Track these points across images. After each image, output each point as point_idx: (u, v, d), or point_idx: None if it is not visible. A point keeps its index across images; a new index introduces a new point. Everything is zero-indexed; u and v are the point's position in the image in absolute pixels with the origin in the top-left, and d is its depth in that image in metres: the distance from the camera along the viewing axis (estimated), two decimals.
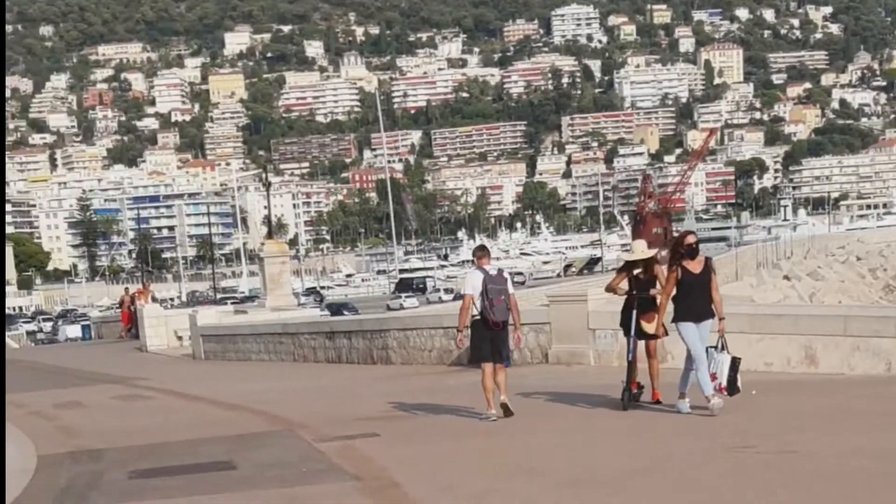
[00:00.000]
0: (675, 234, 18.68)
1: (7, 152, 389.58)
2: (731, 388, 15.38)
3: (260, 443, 15.88)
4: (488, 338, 16.48)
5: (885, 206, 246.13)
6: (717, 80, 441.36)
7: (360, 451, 14.29)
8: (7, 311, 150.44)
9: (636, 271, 16.61)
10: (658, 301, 16.26)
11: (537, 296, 45.56)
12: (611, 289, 17.30)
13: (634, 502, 10.26)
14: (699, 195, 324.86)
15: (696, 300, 15.52)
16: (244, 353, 36.75)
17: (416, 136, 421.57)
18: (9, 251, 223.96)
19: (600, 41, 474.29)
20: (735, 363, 15.48)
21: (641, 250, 16.94)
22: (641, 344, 16.62)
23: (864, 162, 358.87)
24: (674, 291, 15.74)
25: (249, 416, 19.71)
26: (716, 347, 15.47)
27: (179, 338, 44.68)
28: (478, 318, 16.47)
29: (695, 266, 15.64)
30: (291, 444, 15.60)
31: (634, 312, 16.43)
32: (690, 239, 15.85)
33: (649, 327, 16.40)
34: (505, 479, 11.72)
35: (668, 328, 16.36)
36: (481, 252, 17.25)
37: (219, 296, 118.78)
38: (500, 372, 16.63)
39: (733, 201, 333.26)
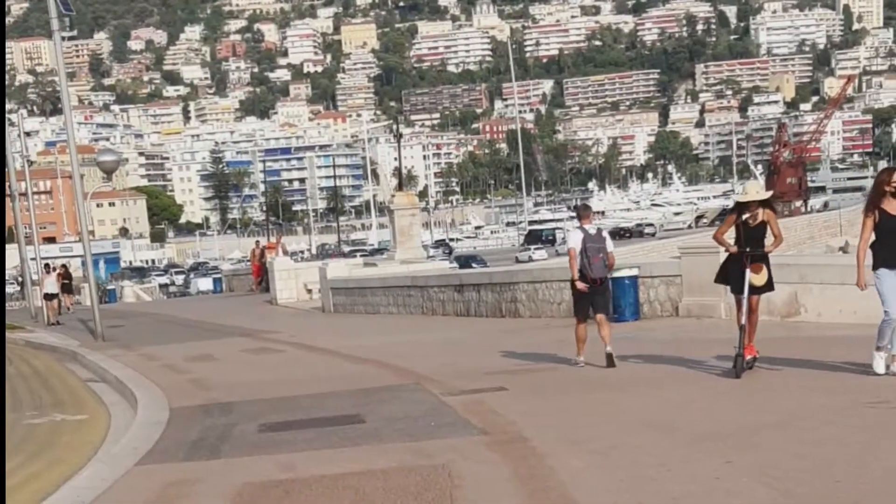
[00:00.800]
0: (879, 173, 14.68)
1: (141, 105, 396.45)
2: None
3: (388, 396, 15.92)
4: (589, 293, 17.50)
5: None
6: (855, 26, 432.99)
7: (488, 404, 14.27)
8: (140, 263, 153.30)
9: (745, 216, 14.96)
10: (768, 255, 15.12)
11: (668, 248, 45.30)
12: (718, 240, 15.71)
13: (766, 456, 10.09)
14: (835, 144, 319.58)
15: (895, 246, 13.97)
16: (373, 306, 36.91)
17: (547, 85, 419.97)
18: (142, 204, 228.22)
19: None
20: None
21: (756, 191, 15.25)
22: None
23: None
24: (872, 237, 14.07)
25: (377, 369, 19.79)
26: None
27: (309, 291, 45.06)
28: (579, 276, 17.47)
29: (894, 207, 14.01)
30: (419, 398, 15.63)
31: (747, 268, 14.95)
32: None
33: (758, 279, 15.05)
34: (634, 434, 11.61)
35: (867, 279, 14.19)
36: (585, 211, 18.25)
37: (348, 248, 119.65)
38: (605, 325, 17.50)
39: (871, 150, 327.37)
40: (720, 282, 15.97)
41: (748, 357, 15.10)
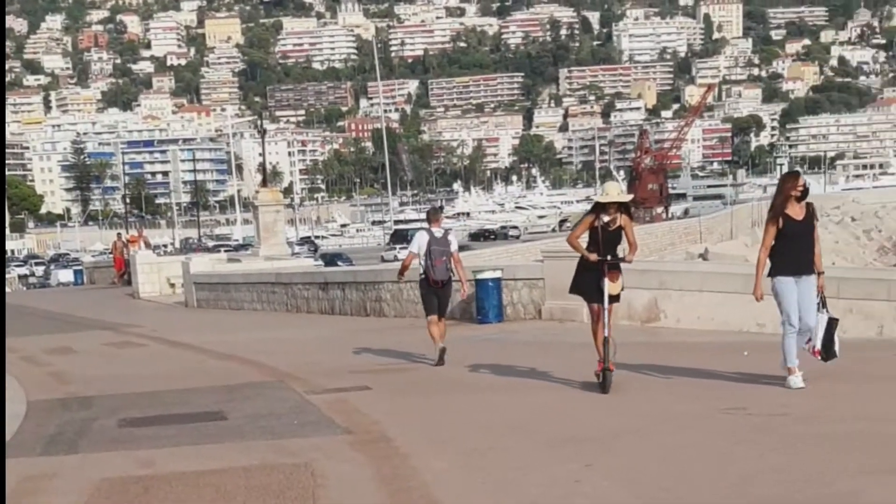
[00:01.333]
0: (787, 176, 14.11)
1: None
2: (827, 351, 13.82)
3: (251, 393, 15.86)
4: (433, 293, 18.48)
5: (881, 166, 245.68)
6: (715, 35, 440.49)
7: (352, 403, 14.30)
8: None
9: (605, 219, 14.16)
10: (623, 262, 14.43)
11: (532, 251, 45.60)
12: (573, 245, 14.59)
13: (627, 460, 10.26)
14: (696, 152, 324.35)
15: (797, 252, 13.74)
16: (237, 301, 36.75)
17: (412, 85, 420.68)
18: None
19: None
20: (832, 324, 13.84)
21: (617, 192, 14.57)
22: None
23: (861, 121, 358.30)
24: (772, 243, 13.72)
25: (241, 366, 19.72)
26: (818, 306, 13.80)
27: (172, 285, 44.69)
28: (423, 276, 18.46)
29: (797, 212, 13.76)
30: (283, 396, 15.58)
31: (604, 275, 14.18)
32: (803, 180, 13.85)
33: (615, 287, 14.32)
34: (497, 436, 11.71)
35: (766, 286, 13.80)
36: (435, 214, 19.18)
37: (212, 243, 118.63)
38: (441, 325, 18.72)
39: (730, 159, 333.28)
40: (575, 292, 14.79)
41: (613, 370, 14.17)
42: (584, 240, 14.46)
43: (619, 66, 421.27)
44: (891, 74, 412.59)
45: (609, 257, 14.20)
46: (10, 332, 29.20)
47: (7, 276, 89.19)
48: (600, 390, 13.99)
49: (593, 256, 14.10)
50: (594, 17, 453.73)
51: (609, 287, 14.16)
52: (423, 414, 13.50)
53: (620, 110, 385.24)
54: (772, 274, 13.88)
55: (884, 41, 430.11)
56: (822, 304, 13.88)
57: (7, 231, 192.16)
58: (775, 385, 13.82)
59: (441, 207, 21.34)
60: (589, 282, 14.36)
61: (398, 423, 12.66)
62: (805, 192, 13.86)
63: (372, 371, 17.72)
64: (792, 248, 13.72)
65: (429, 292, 18.47)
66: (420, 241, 18.33)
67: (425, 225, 19.09)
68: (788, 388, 13.56)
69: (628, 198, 15.04)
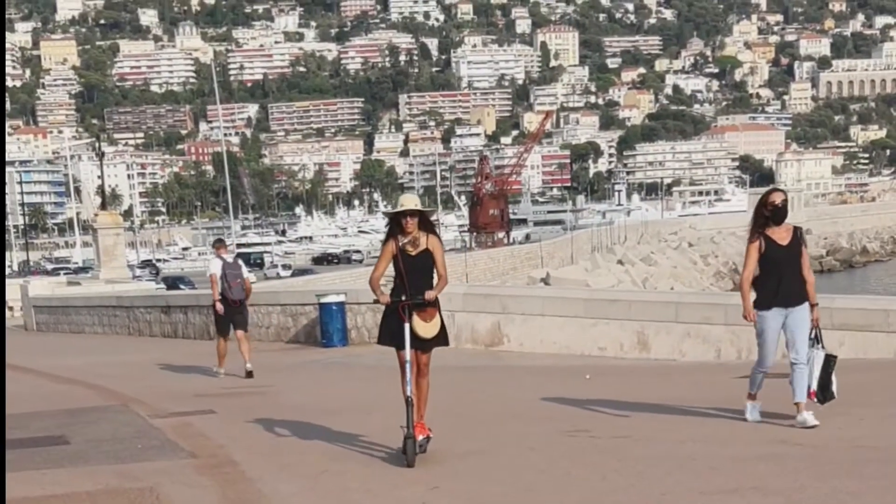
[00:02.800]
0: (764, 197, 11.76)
1: None
2: (825, 393, 12.28)
3: (94, 417, 15.64)
4: (229, 313, 20.67)
5: (716, 192, 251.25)
6: (552, 63, 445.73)
7: (197, 427, 14.19)
8: None
9: (404, 241, 11.56)
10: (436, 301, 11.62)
11: None
12: (372, 286, 11.79)
13: (472, 483, 10.35)
14: (535, 178, 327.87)
15: (783, 281, 12.06)
16: (78, 325, 36.24)
17: (252, 109, 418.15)
18: None
19: (437, 19, 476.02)
20: (829, 362, 12.25)
21: (414, 203, 11.67)
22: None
23: (696, 148, 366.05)
24: (757, 271, 12.11)
25: (83, 390, 19.45)
26: (811, 341, 12.21)
27: (10, 308, 43.84)
28: (220, 297, 20.65)
29: (782, 235, 12.16)
30: (126, 420, 15.39)
31: (410, 315, 11.53)
32: (778, 198, 12.11)
33: (428, 328, 11.61)
34: (341, 460, 11.72)
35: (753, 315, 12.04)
36: (219, 244, 21.85)
37: (51, 266, 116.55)
38: (245, 341, 20.64)
39: (569, 185, 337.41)
40: (384, 341, 11.96)
41: (420, 437, 11.47)
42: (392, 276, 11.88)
43: (459, 92, 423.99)
44: (724, 103, 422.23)
45: (412, 296, 11.46)
46: None
47: None
48: (405, 464, 11.19)
49: (384, 298, 11.56)
50: (433, 44, 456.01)
51: (419, 328, 11.48)
52: (268, 438, 13.43)
53: (460, 136, 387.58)
54: (757, 306, 12.24)
55: (716, 70, 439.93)
56: (818, 339, 12.27)
57: None
58: (617, 408, 14.05)
59: (221, 239, 22.43)
60: (397, 326, 11.52)
61: (244, 447, 12.60)
62: (777, 210, 12.13)
63: (216, 395, 17.64)
64: (776, 277, 12.08)
65: (225, 312, 20.70)
66: (216, 266, 20.81)
67: (214, 253, 21.67)
68: (746, 419, 12.75)
69: (428, 210, 11.92)
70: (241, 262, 21.46)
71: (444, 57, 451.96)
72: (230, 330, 20.79)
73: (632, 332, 20.30)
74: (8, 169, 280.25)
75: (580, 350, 20.88)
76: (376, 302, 11.77)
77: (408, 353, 11.47)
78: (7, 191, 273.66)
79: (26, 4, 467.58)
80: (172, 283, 70.34)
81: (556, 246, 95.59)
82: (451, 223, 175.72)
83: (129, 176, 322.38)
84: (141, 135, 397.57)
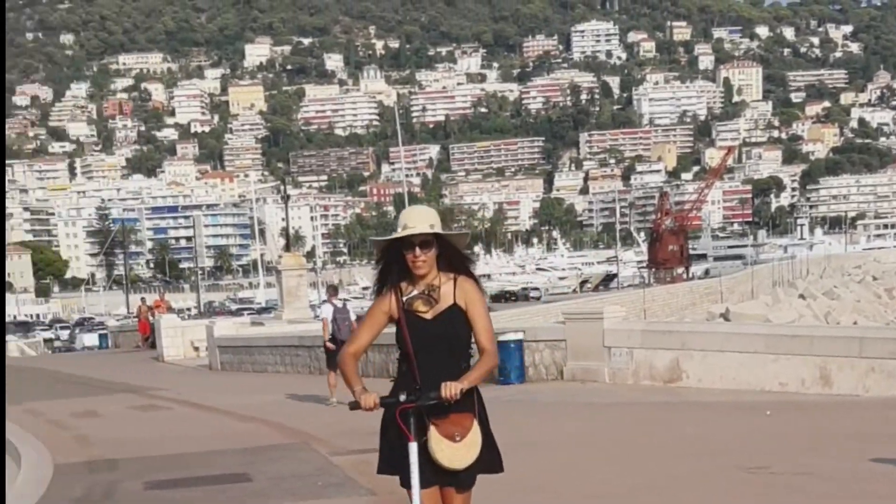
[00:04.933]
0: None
1: (27, 160, 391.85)
2: None
3: (275, 455, 15.87)
4: (335, 351, 22.24)
5: None
6: (735, 98, 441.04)
7: (375, 464, 14.27)
8: (24, 318, 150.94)
9: (411, 293, 6.83)
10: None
11: (553, 312, 45.54)
12: (345, 369, 6.91)
13: None
14: (716, 213, 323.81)
15: None
16: (260, 364, 36.78)
17: (434, 150, 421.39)
18: (26, 259, 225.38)
19: (619, 58, 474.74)
20: None
21: (426, 218, 6.97)
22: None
23: (881, 181, 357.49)
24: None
25: (265, 428, 19.70)
26: None
27: (196, 348, 44.73)
28: (330, 337, 23.65)
29: None
30: (307, 457, 15.60)
31: (420, 427, 6.64)
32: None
33: (457, 453, 6.72)
34: (524, 493, 11.70)
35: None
36: (331, 291, 25.12)
37: (235, 307, 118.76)
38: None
39: (750, 219, 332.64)
40: (385, 469, 7.24)
41: None
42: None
43: (640, 129, 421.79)
44: None
45: (421, 394, 6.58)
46: (37, 396, 29.39)
47: (33, 339, 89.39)
48: None
49: (368, 399, 6.65)
50: (614, 82, 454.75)
51: (440, 450, 6.66)
52: None
53: (641, 173, 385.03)
54: None
55: None
56: None
57: (32, 295, 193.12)
58: (798, 445, 13.81)
59: (335, 287, 23.50)
60: (400, 445, 6.76)
61: None
62: None
63: None
64: None
65: (333, 352, 22.89)
66: (327, 311, 24.04)
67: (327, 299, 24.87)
68: None
69: (453, 234, 7.09)
70: (349, 307, 24.99)
71: (625, 95, 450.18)
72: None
73: (814, 367, 19.92)
74: (196, 213, 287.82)
75: (760, 386, 20.56)
76: (354, 407, 6.70)
77: (416, 496, 6.59)
78: (195, 233, 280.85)
79: (216, 52, 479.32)
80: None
81: (736, 281, 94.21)
82: (630, 259, 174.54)
83: (311, 218, 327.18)
84: (324, 177, 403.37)
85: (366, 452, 15.34)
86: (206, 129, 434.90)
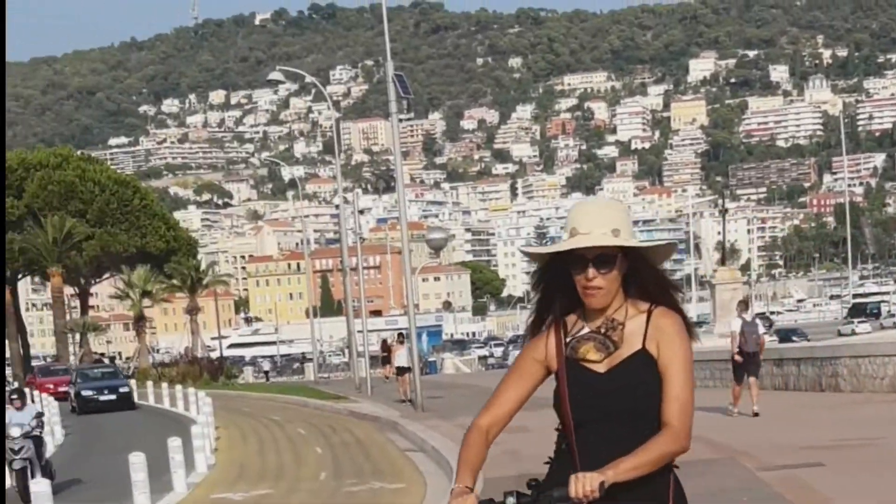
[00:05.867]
0: None
1: (471, 182, 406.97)
2: None
3: (702, 469, 15.72)
4: (746, 363, 24.25)
5: None
6: None
7: (803, 480, 14.01)
8: (461, 336, 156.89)
9: (578, 333, 4.55)
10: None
11: None
12: (465, 453, 4.86)
13: None
14: None
15: None
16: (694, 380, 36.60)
17: (878, 159, 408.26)
18: (465, 279, 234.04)
19: None
20: None
21: (607, 225, 4.40)
22: None
23: None
24: None
25: (692, 442, 19.50)
26: None
27: None
28: (738, 349, 24.32)
29: None
30: (733, 472, 15.52)
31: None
32: None
33: None
34: None
35: None
36: (741, 306, 26.14)
37: None
38: (754, 386, 24.28)
39: None
40: None
41: None
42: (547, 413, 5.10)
43: None
44: None
45: (545, 495, 4.46)
46: (469, 412, 30.04)
47: (468, 356, 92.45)
48: None
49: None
50: None
51: None
52: (877, 493, 12.95)
53: None
54: None
55: None
56: None
57: (469, 313, 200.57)
58: None
59: (745, 301, 23.97)
60: None
61: (852, 502, 12.24)
62: None
63: (825, 447, 17.32)
64: None
65: (744, 361, 24.17)
66: (736, 325, 24.68)
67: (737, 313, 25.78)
68: None
69: (651, 244, 4.65)
70: (758, 321, 26.02)
71: None
72: (744, 377, 24.31)
73: None
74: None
75: None
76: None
77: None
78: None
79: (660, 68, 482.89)
80: (785, 335, 69.85)
81: None
82: None
83: (748, 231, 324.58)
84: (763, 189, 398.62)
85: (794, 468, 15.06)
86: (646, 145, 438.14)
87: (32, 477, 18.81)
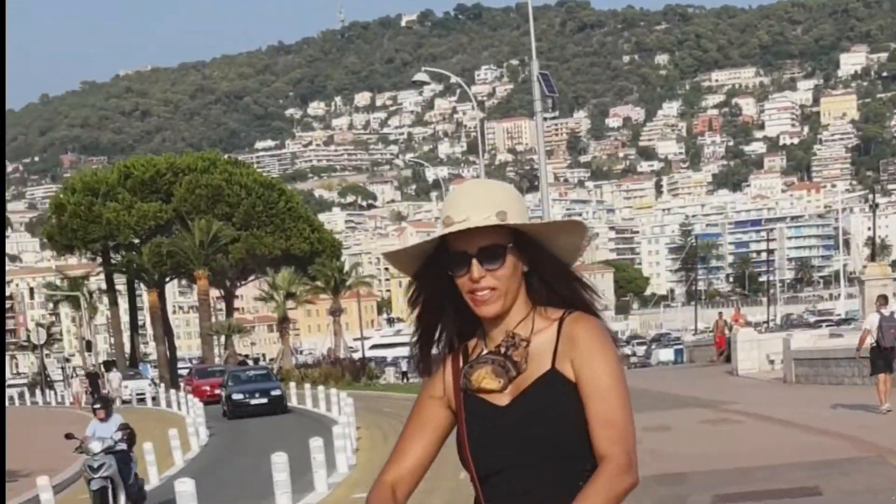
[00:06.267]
0: None
1: (615, 180, 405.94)
2: None
3: (848, 469, 15.66)
4: (882, 356, 24.22)
5: None
6: None
7: None
8: None
9: (476, 357, 3.47)
10: None
11: None
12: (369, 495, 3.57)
13: None
14: None
15: None
16: (837, 377, 35.84)
17: None
18: (609, 277, 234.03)
19: None
20: None
21: (489, 207, 3.32)
22: None
23: None
24: None
25: (837, 441, 19.46)
26: None
27: (771, 361, 44.23)
28: (874, 344, 24.21)
29: None
30: (881, 471, 15.30)
31: None
32: None
33: None
34: None
35: None
36: (881, 300, 25.44)
37: (813, 319, 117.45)
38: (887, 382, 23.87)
39: None
40: None
41: None
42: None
43: None
44: None
45: None
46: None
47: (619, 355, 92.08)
48: None
49: None
50: None
51: None
52: None
53: None
54: None
55: None
56: None
57: (612, 312, 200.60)
58: None
59: (884, 296, 23.62)
60: None
61: None
62: None
63: None
64: None
65: (878, 356, 24.28)
66: (872, 320, 24.62)
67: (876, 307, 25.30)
68: None
69: (571, 224, 3.58)
70: None
71: None
72: (882, 369, 24.22)
73: None
74: (779, 225, 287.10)
75: None
76: None
77: None
78: (776, 246, 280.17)
79: (810, 63, 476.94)
80: None
81: None
82: None
83: None
84: None
85: None
86: (795, 140, 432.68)
87: (115, 499, 17.91)
